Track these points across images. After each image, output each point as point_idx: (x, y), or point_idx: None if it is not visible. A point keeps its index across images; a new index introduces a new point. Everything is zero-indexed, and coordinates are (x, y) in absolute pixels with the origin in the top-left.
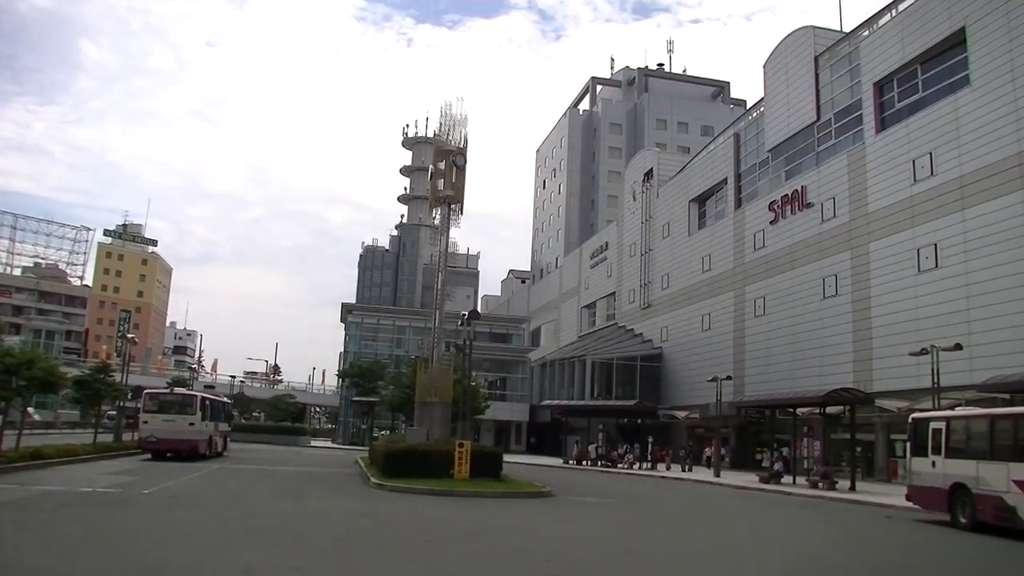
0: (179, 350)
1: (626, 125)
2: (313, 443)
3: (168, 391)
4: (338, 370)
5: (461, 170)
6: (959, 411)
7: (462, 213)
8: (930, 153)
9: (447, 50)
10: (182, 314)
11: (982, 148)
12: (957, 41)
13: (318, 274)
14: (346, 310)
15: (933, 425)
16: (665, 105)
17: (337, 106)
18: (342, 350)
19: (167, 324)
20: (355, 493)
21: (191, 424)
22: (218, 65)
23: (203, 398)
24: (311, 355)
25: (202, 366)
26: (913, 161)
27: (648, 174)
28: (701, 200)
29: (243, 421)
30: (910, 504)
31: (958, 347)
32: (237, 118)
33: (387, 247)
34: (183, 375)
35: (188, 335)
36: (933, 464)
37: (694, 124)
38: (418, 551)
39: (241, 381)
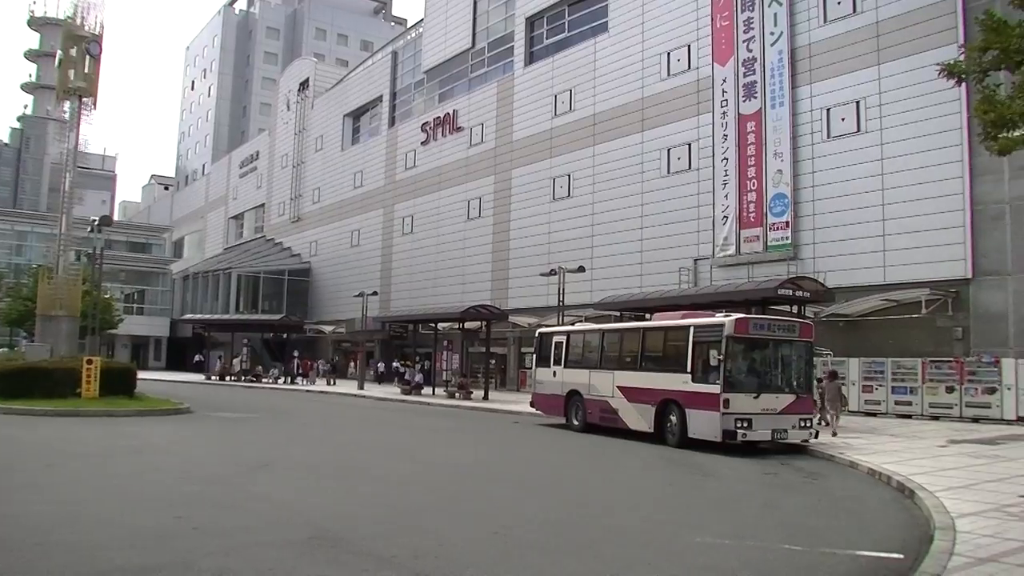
0: None
1: (284, 31)
2: None
3: None
4: None
5: (96, 60)
6: (577, 326)
7: (96, 108)
8: (571, 90)
9: None
10: None
11: (613, 91)
12: None
13: None
14: None
15: (555, 339)
16: (326, 15)
17: None
18: None
19: None
20: None
21: None
22: None
23: None
24: None
25: None
26: (555, 96)
27: (304, 84)
28: (356, 115)
29: None
30: (534, 410)
31: (581, 269)
32: None
33: (7, 141)
34: None
35: None
36: (554, 374)
37: (354, 38)
38: (36, 476)
39: None
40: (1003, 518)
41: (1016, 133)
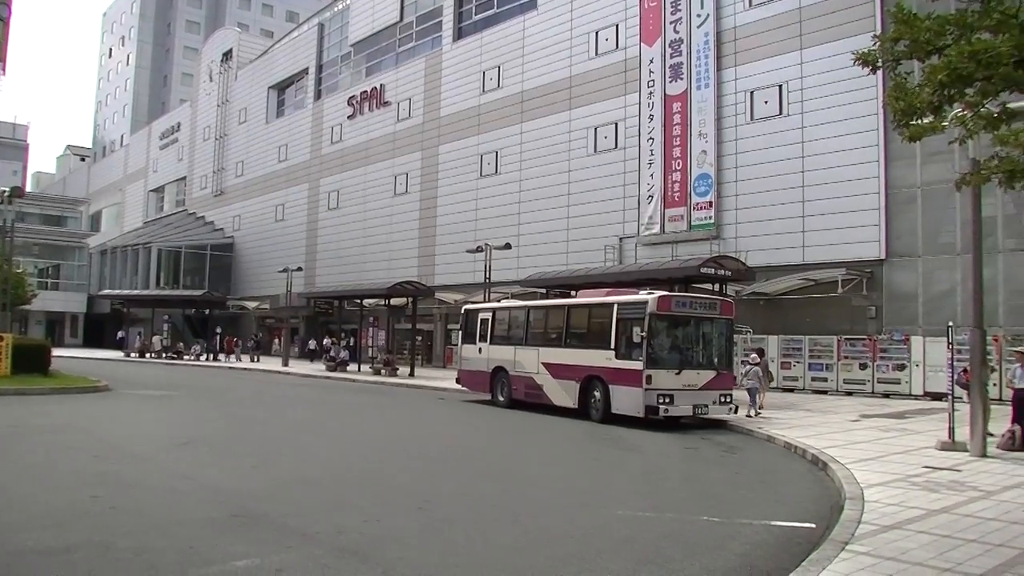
0: None
1: None
2: None
3: None
4: None
5: (4, 23)
6: (503, 303)
7: (5, 74)
8: (499, 67)
9: None
10: None
11: (542, 68)
12: None
13: None
14: None
15: (481, 315)
16: None
17: None
18: None
19: None
20: None
21: None
22: None
23: None
24: None
25: None
26: (483, 72)
27: (227, 54)
28: (281, 88)
29: None
30: (460, 387)
31: (508, 246)
32: None
33: None
34: None
35: None
36: (480, 351)
37: (279, 8)
38: None
39: None
40: (908, 488)
41: (925, 120)
